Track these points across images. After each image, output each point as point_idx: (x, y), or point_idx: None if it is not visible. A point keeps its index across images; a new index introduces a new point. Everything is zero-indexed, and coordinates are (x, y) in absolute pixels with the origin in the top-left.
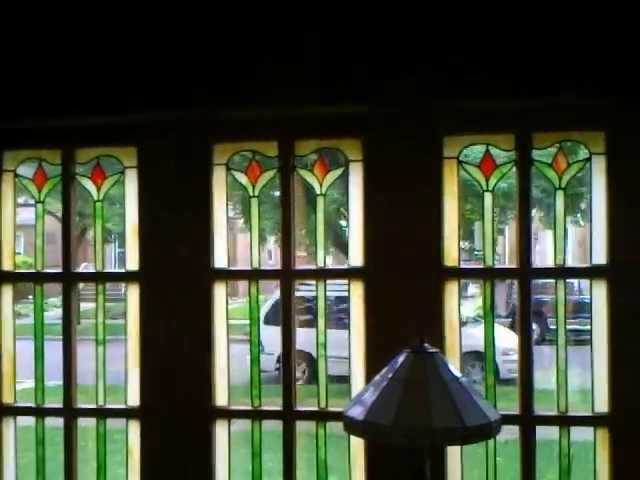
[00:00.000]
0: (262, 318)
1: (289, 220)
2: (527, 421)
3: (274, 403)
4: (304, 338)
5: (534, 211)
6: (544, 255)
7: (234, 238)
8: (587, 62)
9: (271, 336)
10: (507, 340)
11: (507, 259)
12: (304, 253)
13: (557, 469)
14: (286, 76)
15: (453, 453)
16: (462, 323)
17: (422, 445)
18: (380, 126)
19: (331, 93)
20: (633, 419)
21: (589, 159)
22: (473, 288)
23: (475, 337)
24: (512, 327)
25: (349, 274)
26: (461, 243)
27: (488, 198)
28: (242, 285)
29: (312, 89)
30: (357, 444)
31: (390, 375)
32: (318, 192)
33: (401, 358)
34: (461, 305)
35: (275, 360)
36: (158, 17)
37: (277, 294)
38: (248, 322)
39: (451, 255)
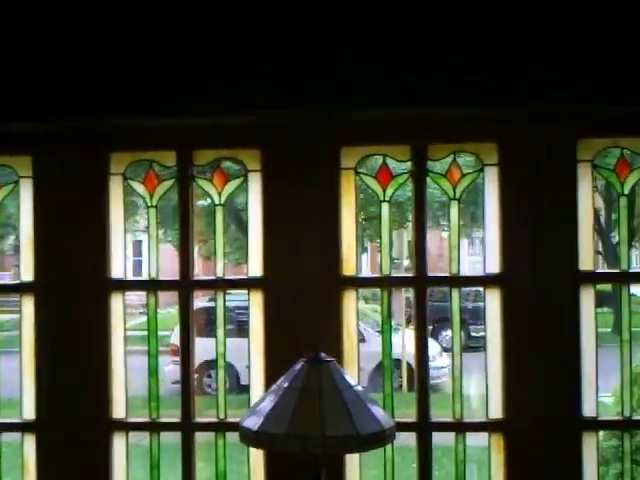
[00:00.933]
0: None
1: (187, 230)
2: (423, 428)
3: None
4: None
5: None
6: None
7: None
8: (477, 73)
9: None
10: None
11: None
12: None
13: (454, 474)
14: (187, 85)
15: (351, 460)
16: (382, 331)
17: (316, 453)
18: (276, 136)
19: (233, 103)
20: (526, 424)
21: (482, 170)
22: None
23: (393, 345)
24: (432, 335)
25: (248, 284)
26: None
27: (385, 208)
28: (163, 296)
29: (214, 99)
30: (256, 454)
31: (286, 384)
32: (217, 202)
33: (297, 367)
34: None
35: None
36: (48, 26)
37: (198, 304)
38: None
39: (349, 265)
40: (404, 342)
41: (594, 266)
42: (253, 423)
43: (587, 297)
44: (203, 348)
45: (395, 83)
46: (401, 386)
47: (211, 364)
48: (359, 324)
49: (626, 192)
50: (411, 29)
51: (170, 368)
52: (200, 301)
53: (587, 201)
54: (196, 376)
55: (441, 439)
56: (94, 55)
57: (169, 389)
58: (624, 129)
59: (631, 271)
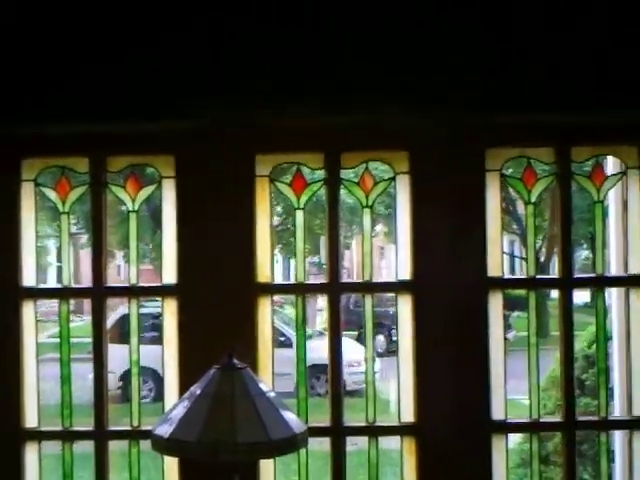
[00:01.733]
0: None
1: (100, 237)
2: (337, 432)
3: (117, 423)
4: (152, 355)
5: (379, 226)
6: (390, 269)
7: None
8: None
9: (116, 354)
10: (353, 352)
11: (354, 273)
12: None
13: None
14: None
15: (267, 467)
16: (308, 336)
17: (228, 460)
18: (190, 142)
19: (150, 110)
20: (437, 427)
21: (394, 178)
22: (321, 302)
23: (320, 350)
24: (359, 340)
25: (162, 291)
26: (310, 258)
27: (300, 215)
28: (88, 303)
29: (132, 106)
30: (171, 462)
31: (198, 392)
32: (130, 208)
33: (210, 374)
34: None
35: (118, 378)
36: None
37: (120, 311)
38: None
39: (264, 271)
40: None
41: (502, 272)
42: (165, 431)
43: (495, 302)
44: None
45: (315, 89)
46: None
47: (144, 371)
48: (287, 330)
49: (533, 200)
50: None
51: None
52: (125, 308)
53: (495, 209)
54: (120, 384)
55: (365, 444)
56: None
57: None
58: (530, 140)
59: (538, 277)
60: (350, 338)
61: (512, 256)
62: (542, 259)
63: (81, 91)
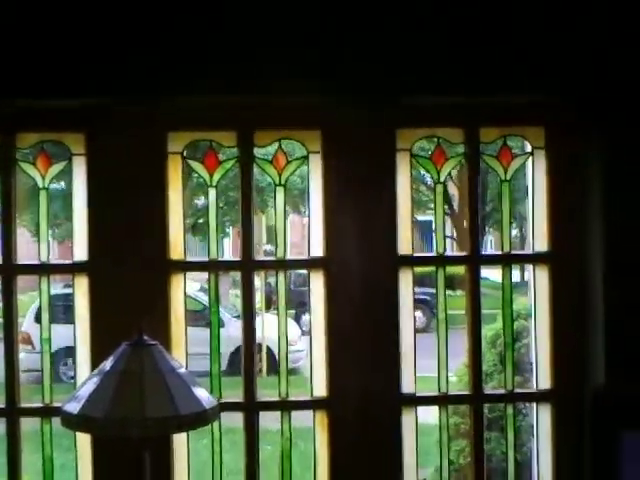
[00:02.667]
0: (33, 315)
1: (10, 213)
2: (249, 407)
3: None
4: None
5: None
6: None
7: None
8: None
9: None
10: (290, 331)
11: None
12: None
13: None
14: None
15: (179, 442)
16: (238, 316)
17: (137, 435)
18: (100, 119)
19: (56, 86)
20: (349, 402)
21: (307, 157)
22: (257, 281)
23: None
24: (294, 318)
25: (73, 269)
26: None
27: (212, 193)
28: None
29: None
30: (83, 440)
31: (107, 368)
32: (41, 185)
33: (119, 351)
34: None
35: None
36: None
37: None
38: None
39: (177, 248)
40: (264, 326)
41: (412, 250)
42: (73, 407)
43: (405, 279)
44: (60, 335)
45: (217, 70)
46: (261, 370)
47: (69, 351)
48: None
49: (442, 180)
50: None
51: (21, 356)
52: (55, 288)
53: (406, 188)
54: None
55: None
56: None
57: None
58: (439, 120)
59: (447, 254)
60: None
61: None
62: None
63: None
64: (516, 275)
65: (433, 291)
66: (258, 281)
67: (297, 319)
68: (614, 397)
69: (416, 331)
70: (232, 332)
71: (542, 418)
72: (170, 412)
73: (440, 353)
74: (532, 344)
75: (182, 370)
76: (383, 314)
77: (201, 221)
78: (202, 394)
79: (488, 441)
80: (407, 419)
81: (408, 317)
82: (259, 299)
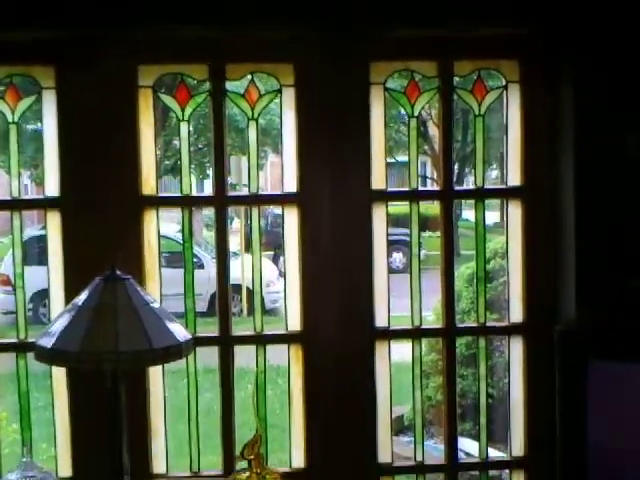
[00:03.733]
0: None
1: None
2: (224, 342)
3: None
4: None
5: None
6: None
7: None
8: None
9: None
10: (268, 272)
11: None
12: None
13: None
14: None
15: (155, 375)
16: None
17: (111, 369)
18: (70, 52)
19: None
20: (323, 335)
21: (279, 91)
22: (236, 223)
23: (235, 270)
24: (273, 260)
25: (45, 204)
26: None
27: (184, 128)
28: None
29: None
30: (59, 375)
31: (80, 303)
32: (10, 120)
33: (92, 286)
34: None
35: (28, 300)
36: None
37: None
38: None
39: (149, 184)
40: (243, 267)
41: (386, 185)
42: (47, 342)
43: (379, 213)
44: (40, 277)
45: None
46: (242, 311)
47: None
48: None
49: (416, 114)
50: None
51: (1, 297)
52: (33, 229)
53: (379, 122)
54: (31, 305)
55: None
56: None
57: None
58: (413, 53)
59: (420, 189)
60: (267, 258)
61: (424, 177)
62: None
63: None
64: (496, 216)
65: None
66: (238, 223)
67: (275, 261)
68: (582, 328)
69: (396, 272)
70: (212, 274)
71: (514, 351)
72: (143, 346)
73: (413, 288)
74: (506, 279)
75: (156, 304)
76: (357, 249)
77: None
78: (176, 328)
79: (465, 377)
80: (380, 353)
81: (382, 252)
82: (239, 240)
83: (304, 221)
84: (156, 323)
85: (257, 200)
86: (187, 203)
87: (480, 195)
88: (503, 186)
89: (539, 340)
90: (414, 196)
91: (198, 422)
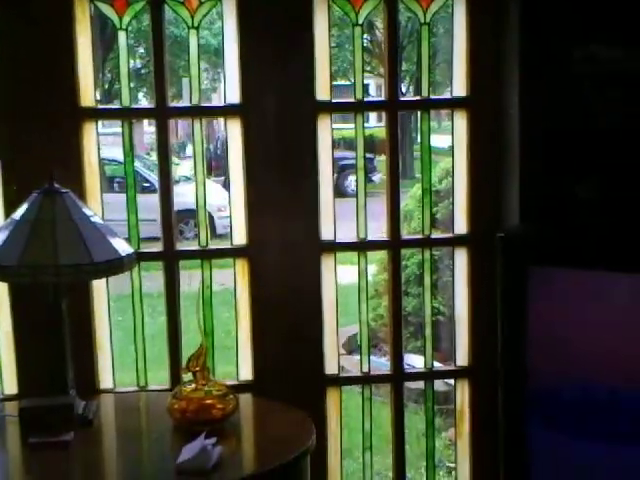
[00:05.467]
0: None
1: None
2: (169, 256)
3: None
4: None
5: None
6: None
7: None
8: None
9: None
10: (220, 196)
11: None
12: None
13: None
14: None
15: (99, 290)
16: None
17: (50, 283)
18: None
19: None
20: (266, 247)
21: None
22: (190, 151)
23: (188, 195)
24: (226, 185)
25: None
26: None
27: (122, 37)
28: None
29: None
30: (1, 292)
31: (18, 218)
32: None
33: (30, 200)
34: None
35: None
36: None
37: None
38: None
39: (88, 96)
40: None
41: (330, 97)
42: None
43: (324, 125)
44: None
45: None
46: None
47: None
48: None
49: (360, 22)
50: None
51: None
52: None
53: (324, 31)
54: None
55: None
56: None
57: None
58: None
59: (366, 100)
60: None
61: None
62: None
63: None
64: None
65: (370, 155)
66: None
67: (227, 186)
68: (523, 235)
69: (352, 195)
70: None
71: (459, 263)
72: (84, 259)
73: (359, 202)
74: (451, 191)
75: (96, 218)
76: (301, 162)
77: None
78: (118, 243)
79: (417, 296)
80: (327, 265)
81: (327, 164)
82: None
83: (247, 133)
84: (96, 237)
85: (199, 112)
86: (127, 115)
87: (425, 106)
88: (448, 96)
89: (483, 251)
90: (359, 107)
91: (144, 337)
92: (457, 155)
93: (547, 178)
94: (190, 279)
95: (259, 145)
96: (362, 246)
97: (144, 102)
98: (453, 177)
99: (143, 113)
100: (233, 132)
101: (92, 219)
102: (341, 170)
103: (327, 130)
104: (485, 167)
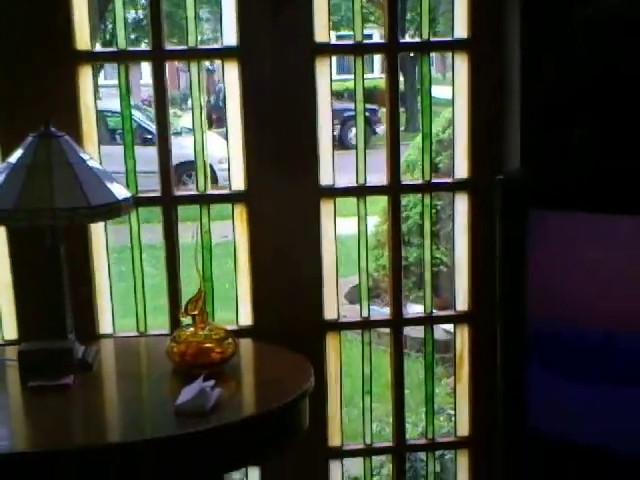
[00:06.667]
0: None
1: None
2: (166, 201)
3: None
4: None
5: None
6: None
7: None
8: None
9: None
10: (221, 149)
11: None
12: None
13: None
14: None
15: (97, 234)
16: (177, 133)
17: (47, 226)
18: None
19: None
20: (265, 194)
21: None
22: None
23: (190, 147)
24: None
25: None
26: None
27: None
28: None
29: None
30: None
31: (14, 161)
32: None
33: (26, 143)
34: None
35: None
36: None
37: None
38: None
39: (83, 39)
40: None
41: (329, 39)
42: None
43: (322, 68)
44: None
45: None
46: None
47: None
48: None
49: None
50: None
51: None
52: None
53: None
54: None
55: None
56: None
57: None
58: None
59: (365, 42)
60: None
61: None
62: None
63: None
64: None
65: (373, 107)
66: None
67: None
68: (524, 177)
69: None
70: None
71: (459, 209)
72: (80, 203)
73: (358, 145)
74: (452, 135)
75: (93, 162)
76: (301, 104)
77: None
78: (115, 187)
79: (420, 247)
80: (326, 210)
81: (326, 109)
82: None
83: (244, 78)
84: (93, 180)
85: (196, 54)
86: (122, 58)
87: (426, 48)
88: (449, 38)
89: (484, 197)
90: (358, 49)
91: (144, 284)
92: (458, 100)
93: (547, 121)
94: (193, 232)
95: (257, 88)
96: (361, 191)
97: None
98: (453, 121)
99: (139, 55)
100: (230, 75)
101: (89, 163)
102: (344, 122)
103: (326, 73)
104: (486, 110)
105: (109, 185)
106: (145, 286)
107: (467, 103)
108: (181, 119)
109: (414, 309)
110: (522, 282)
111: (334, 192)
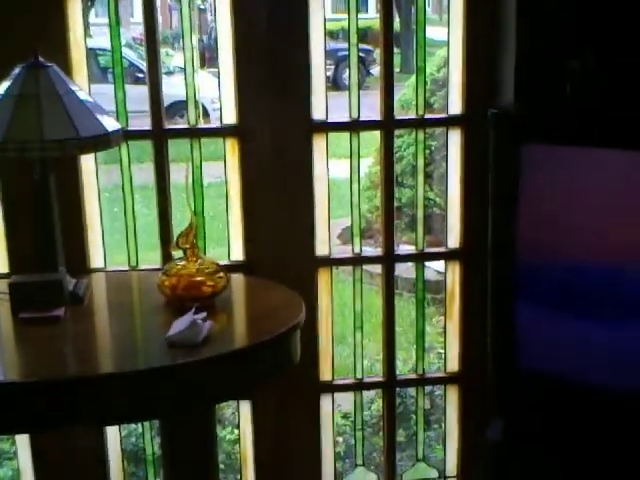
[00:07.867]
0: None
1: None
2: (158, 135)
3: None
4: None
5: None
6: None
7: None
8: None
9: None
10: (213, 88)
11: None
12: None
13: None
14: None
15: (87, 171)
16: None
17: (36, 158)
18: None
19: None
20: (258, 132)
21: None
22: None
23: (182, 87)
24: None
25: None
26: None
27: None
28: None
29: None
30: None
31: (1, 92)
32: None
33: (13, 74)
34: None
35: None
36: None
37: None
38: None
39: None
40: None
41: None
42: None
43: (315, 6)
44: None
45: None
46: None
47: None
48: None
49: None
50: None
51: None
52: None
53: None
54: None
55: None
56: None
57: None
58: None
59: None
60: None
61: None
62: None
63: None
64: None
65: (369, 47)
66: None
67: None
68: (517, 110)
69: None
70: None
71: (452, 144)
72: (69, 134)
73: (351, 80)
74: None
75: (82, 93)
76: (294, 42)
77: None
78: (105, 119)
79: (413, 188)
80: (318, 146)
81: (319, 48)
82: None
83: (236, 14)
84: (83, 112)
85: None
86: None
87: None
88: None
89: (477, 132)
90: None
91: (135, 217)
92: (453, 37)
93: (542, 54)
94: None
95: (248, 20)
96: (354, 126)
97: None
98: (448, 58)
99: None
100: (223, 26)
101: (78, 93)
102: (339, 62)
103: (320, 12)
104: (480, 43)
105: (99, 116)
106: (137, 225)
107: (462, 40)
108: (173, 58)
109: (407, 250)
110: (514, 216)
111: (327, 126)
